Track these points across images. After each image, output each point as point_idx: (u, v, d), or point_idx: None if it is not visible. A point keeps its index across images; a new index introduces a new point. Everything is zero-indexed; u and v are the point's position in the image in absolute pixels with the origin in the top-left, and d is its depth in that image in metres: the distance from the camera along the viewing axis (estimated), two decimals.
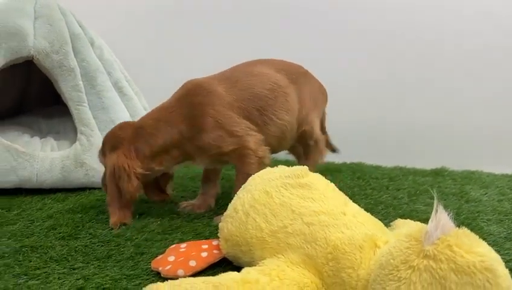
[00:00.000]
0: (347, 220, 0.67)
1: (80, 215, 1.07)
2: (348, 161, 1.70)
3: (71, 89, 1.30)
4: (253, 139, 1.04)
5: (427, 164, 1.66)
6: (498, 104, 1.66)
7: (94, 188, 1.29)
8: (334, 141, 1.56)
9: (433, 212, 0.59)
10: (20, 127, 1.42)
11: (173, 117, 1.03)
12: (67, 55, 1.30)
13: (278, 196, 0.72)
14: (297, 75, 1.20)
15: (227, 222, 0.78)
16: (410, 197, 1.29)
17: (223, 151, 1.03)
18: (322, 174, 1.46)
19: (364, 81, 1.75)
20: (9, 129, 1.36)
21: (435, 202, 0.59)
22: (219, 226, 0.82)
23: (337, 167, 1.62)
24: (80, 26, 1.39)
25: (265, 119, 1.09)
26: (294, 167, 0.78)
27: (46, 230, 0.97)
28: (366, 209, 1.13)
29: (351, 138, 1.77)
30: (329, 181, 0.79)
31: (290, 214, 0.69)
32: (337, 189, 0.78)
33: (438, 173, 1.57)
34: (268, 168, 0.84)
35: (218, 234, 0.82)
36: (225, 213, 0.81)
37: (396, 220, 0.96)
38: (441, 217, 0.58)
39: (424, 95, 1.73)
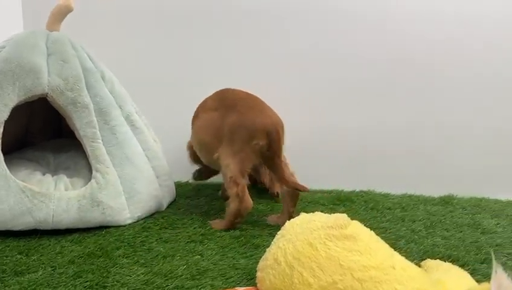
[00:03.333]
0: (398, 275, 0.67)
1: (103, 260, 1.04)
2: (358, 189, 1.71)
3: (85, 126, 1.28)
4: None
5: (433, 189, 1.69)
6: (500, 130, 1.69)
7: (109, 227, 1.26)
8: (342, 166, 1.58)
9: (493, 273, 0.60)
10: (29, 163, 1.39)
11: None
12: (81, 91, 1.28)
13: (323, 248, 0.72)
14: (224, 103, 1.36)
15: (269, 273, 0.77)
16: (427, 229, 1.30)
17: None
18: (334, 204, 1.51)
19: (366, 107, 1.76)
20: (19, 166, 1.32)
21: (493, 262, 0.60)
22: (259, 276, 0.81)
23: (347, 195, 1.62)
24: (91, 60, 1.38)
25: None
26: (336, 216, 0.78)
27: (71, 279, 0.95)
28: (390, 245, 1.15)
29: (356, 164, 1.79)
30: (369, 229, 0.79)
31: (339, 268, 0.69)
32: (379, 238, 0.78)
33: (447, 201, 1.59)
34: (306, 215, 0.84)
35: (258, 285, 0.81)
36: (264, 263, 0.81)
37: (426, 261, 0.96)
38: (501, 279, 0.58)
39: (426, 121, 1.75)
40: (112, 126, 1.33)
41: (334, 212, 1.41)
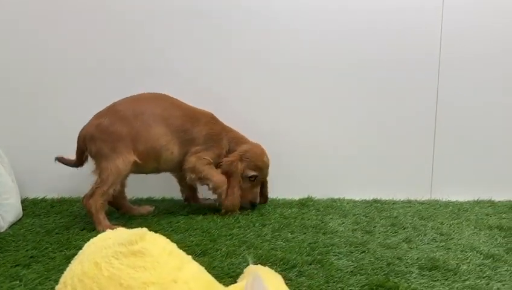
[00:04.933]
0: (178, 289, 0.66)
1: None
2: None
3: None
4: None
5: (295, 192, 1.74)
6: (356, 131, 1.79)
7: None
8: None
9: (249, 278, 0.61)
10: None
11: None
12: None
13: (107, 267, 0.68)
14: None
15: None
16: (274, 233, 1.33)
17: None
18: (193, 213, 1.49)
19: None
20: None
21: (249, 266, 0.61)
22: None
23: (210, 202, 1.62)
24: None
25: None
26: (132, 231, 0.75)
27: None
28: (228, 252, 1.16)
29: None
30: (168, 242, 0.78)
31: (119, 287, 0.66)
32: (176, 250, 0.76)
33: (304, 204, 1.65)
34: (106, 233, 0.80)
35: None
36: (56, 286, 0.75)
37: (248, 267, 0.97)
38: (256, 284, 0.59)
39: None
40: None
41: (191, 221, 1.43)
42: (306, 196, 1.74)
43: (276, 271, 1.02)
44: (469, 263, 1.12)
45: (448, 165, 1.78)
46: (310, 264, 1.10)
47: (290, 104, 1.75)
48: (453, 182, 1.78)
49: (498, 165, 1.78)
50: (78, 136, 1.40)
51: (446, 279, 1.03)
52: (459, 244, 1.25)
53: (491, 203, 1.69)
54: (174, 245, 0.78)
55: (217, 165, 1.52)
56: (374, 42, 1.72)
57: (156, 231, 1.27)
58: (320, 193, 1.75)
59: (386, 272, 1.06)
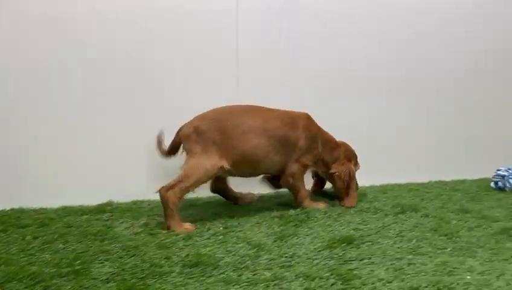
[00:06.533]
0: None
1: None
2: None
3: None
4: None
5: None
6: None
7: None
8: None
9: None
10: None
11: None
12: None
13: None
14: None
15: None
16: (45, 244, 1.23)
17: None
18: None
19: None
20: None
21: None
22: None
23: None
24: None
25: None
26: None
27: None
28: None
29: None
30: None
31: None
32: None
33: (102, 209, 1.55)
34: None
35: None
36: None
37: None
38: None
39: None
40: None
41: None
42: (106, 201, 1.64)
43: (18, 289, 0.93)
44: (234, 255, 1.14)
45: None
46: (63, 277, 1.01)
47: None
48: None
49: None
50: (177, 133, 1.49)
51: (203, 275, 1.02)
52: (236, 237, 1.28)
53: (287, 194, 1.78)
54: None
55: (327, 172, 1.63)
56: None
57: None
58: (124, 196, 1.67)
59: (145, 274, 1.03)
